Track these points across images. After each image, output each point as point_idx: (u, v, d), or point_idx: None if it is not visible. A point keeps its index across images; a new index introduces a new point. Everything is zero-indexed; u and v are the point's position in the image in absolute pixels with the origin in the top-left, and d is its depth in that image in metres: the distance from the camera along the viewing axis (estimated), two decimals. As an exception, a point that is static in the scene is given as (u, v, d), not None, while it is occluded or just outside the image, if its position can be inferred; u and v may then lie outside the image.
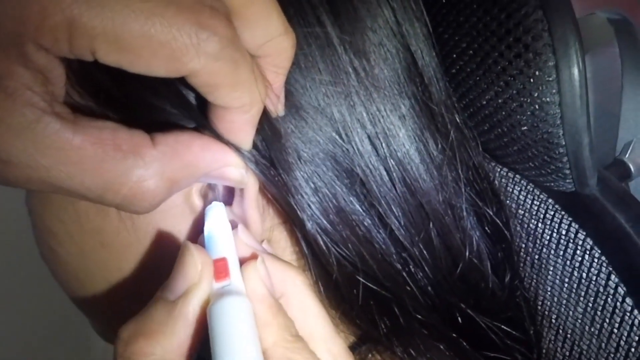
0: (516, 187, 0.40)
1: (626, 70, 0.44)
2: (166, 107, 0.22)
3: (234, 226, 0.23)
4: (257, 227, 0.24)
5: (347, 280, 0.26)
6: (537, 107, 0.26)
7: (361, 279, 0.26)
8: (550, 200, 0.37)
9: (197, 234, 0.24)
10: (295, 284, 0.22)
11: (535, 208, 0.38)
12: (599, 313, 0.33)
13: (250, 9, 0.19)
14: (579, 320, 0.34)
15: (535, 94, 0.26)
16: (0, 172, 0.18)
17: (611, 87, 0.46)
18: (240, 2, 0.19)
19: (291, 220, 0.25)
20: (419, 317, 0.27)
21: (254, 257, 0.21)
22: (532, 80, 0.26)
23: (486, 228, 0.30)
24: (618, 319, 0.32)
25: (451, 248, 0.28)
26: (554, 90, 0.25)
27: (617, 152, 0.46)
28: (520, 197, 0.39)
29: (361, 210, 0.25)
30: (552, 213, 0.37)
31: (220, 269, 0.20)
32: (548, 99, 0.25)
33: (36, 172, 0.18)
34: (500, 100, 0.27)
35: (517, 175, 0.40)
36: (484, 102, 0.28)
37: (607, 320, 0.32)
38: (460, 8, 0.28)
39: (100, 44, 0.17)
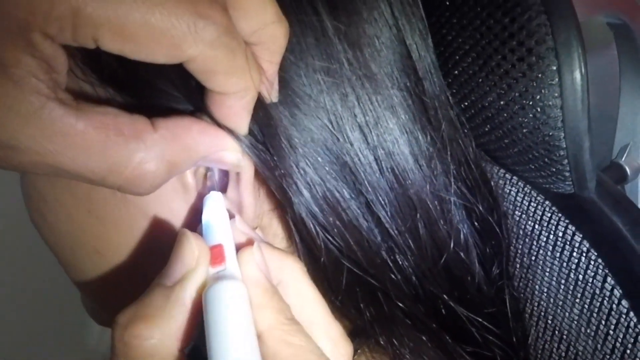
0: (513, 188, 0.40)
1: (624, 73, 0.44)
2: (168, 89, 0.23)
3: (231, 216, 0.24)
4: (251, 212, 0.25)
5: (334, 266, 0.27)
6: (539, 109, 0.26)
7: (346, 264, 0.26)
8: (547, 203, 0.38)
9: (189, 212, 0.25)
10: (292, 271, 0.22)
11: (532, 210, 0.38)
12: (595, 315, 0.34)
13: (247, 1, 0.20)
14: (575, 322, 0.35)
15: (538, 97, 0.26)
16: (7, 157, 0.19)
17: (608, 90, 0.46)
18: None
19: (282, 205, 0.26)
20: (403, 306, 0.27)
21: (250, 244, 0.22)
22: (534, 83, 0.26)
23: (475, 223, 0.31)
24: (614, 321, 0.32)
25: (436, 239, 0.28)
26: (556, 94, 0.25)
27: (613, 155, 0.47)
28: (518, 198, 0.39)
29: (350, 197, 0.26)
30: (549, 215, 0.37)
31: (216, 254, 0.21)
32: (550, 102, 0.26)
33: (41, 157, 0.19)
34: (502, 102, 0.27)
35: (514, 177, 0.40)
36: (486, 104, 0.28)
37: (603, 322, 0.33)
38: (465, 11, 0.28)
39: (103, 33, 0.17)
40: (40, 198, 0.27)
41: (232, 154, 0.23)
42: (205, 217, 0.23)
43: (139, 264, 0.27)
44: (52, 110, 0.18)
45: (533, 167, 0.29)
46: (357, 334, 0.29)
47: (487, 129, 0.30)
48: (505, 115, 0.28)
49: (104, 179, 0.20)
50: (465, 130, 0.30)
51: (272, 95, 0.23)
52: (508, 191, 0.40)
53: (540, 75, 0.25)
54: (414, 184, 0.27)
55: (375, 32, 0.25)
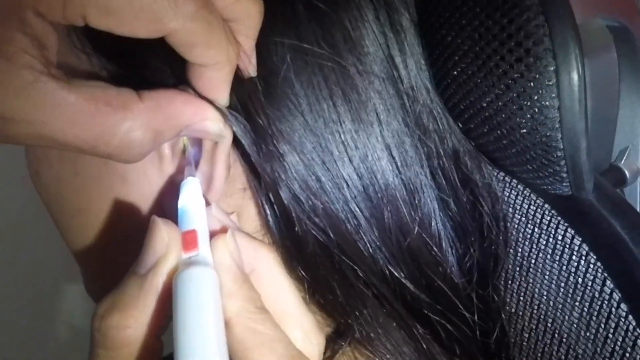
0: (512, 191, 0.40)
1: (624, 77, 0.44)
2: (154, 62, 0.25)
3: (207, 204, 0.24)
4: (220, 185, 0.26)
5: (303, 239, 0.27)
6: (536, 110, 0.26)
7: (317, 236, 0.27)
8: (546, 206, 0.38)
9: (165, 182, 0.27)
10: (266, 261, 0.23)
11: (532, 213, 0.38)
12: (594, 318, 0.33)
13: None
14: (575, 325, 0.34)
15: (535, 97, 0.26)
16: (2, 129, 0.20)
17: (608, 93, 0.46)
18: None
19: (253, 184, 0.27)
20: (371, 284, 0.28)
21: (222, 231, 0.23)
22: (532, 83, 0.26)
23: (450, 216, 0.31)
24: (613, 324, 0.32)
25: (400, 224, 0.29)
26: (553, 94, 0.25)
27: (612, 158, 0.47)
28: (517, 201, 0.39)
29: (318, 172, 0.27)
30: (548, 218, 0.37)
31: (188, 240, 0.21)
32: (547, 103, 0.26)
33: (35, 128, 0.20)
34: (500, 103, 0.27)
35: (513, 180, 0.40)
36: (484, 104, 0.28)
37: (603, 325, 0.33)
38: (464, 11, 0.28)
39: (90, 10, 0.19)
40: (35, 159, 0.29)
41: (214, 124, 0.24)
42: (181, 202, 0.24)
43: (116, 227, 0.28)
44: (44, 84, 0.19)
45: (531, 167, 0.29)
46: (339, 334, 0.29)
47: (485, 130, 0.30)
48: (503, 115, 0.28)
49: (94, 148, 0.21)
50: (449, 124, 0.30)
51: (249, 69, 0.25)
52: (507, 194, 0.40)
53: (537, 75, 0.25)
54: (381, 169, 0.28)
55: (347, 16, 0.26)
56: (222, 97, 0.24)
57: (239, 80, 0.24)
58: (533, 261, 0.38)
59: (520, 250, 0.39)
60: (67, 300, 0.77)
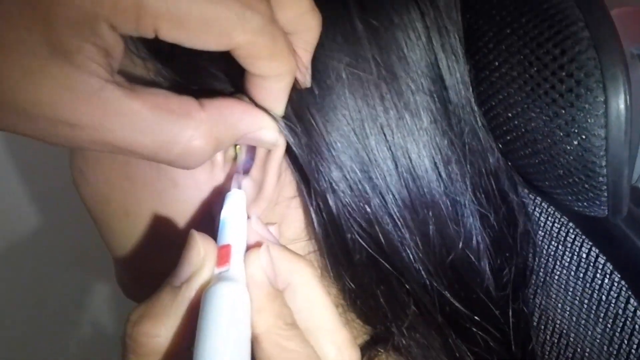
0: (537, 209, 0.42)
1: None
2: (211, 70, 0.26)
3: (248, 216, 0.25)
4: (270, 192, 0.27)
5: (349, 248, 0.28)
6: (583, 137, 0.28)
7: (364, 245, 0.28)
8: (570, 224, 0.39)
9: (214, 188, 0.27)
10: (302, 275, 0.23)
11: (556, 231, 0.40)
12: (617, 334, 0.35)
13: None
14: (597, 340, 0.36)
15: (584, 126, 0.27)
16: (68, 135, 0.20)
17: (636, 117, 0.48)
18: None
19: (306, 188, 0.28)
20: (412, 291, 0.29)
21: (257, 246, 0.23)
22: (581, 113, 0.27)
23: (489, 232, 0.32)
24: (636, 341, 0.34)
25: (445, 238, 0.30)
26: (601, 124, 0.27)
27: (633, 180, 0.49)
28: (541, 219, 0.41)
29: (367, 186, 0.28)
30: (572, 237, 0.39)
31: (222, 255, 0.22)
32: (595, 132, 0.27)
33: (99, 134, 0.20)
34: (547, 129, 0.29)
35: (537, 198, 0.42)
36: (530, 129, 0.30)
37: (626, 341, 0.34)
38: (514, 39, 0.29)
39: (162, 23, 0.19)
40: (83, 160, 0.30)
41: (270, 132, 0.25)
42: (223, 214, 0.24)
43: (162, 230, 0.29)
44: (110, 92, 0.20)
45: (570, 191, 0.30)
46: (376, 341, 0.30)
47: (527, 152, 0.31)
48: (549, 140, 0.29)
49: (156, 155, 0.22)
50: (491, 144, 0.32)
51: (305, 81, 0.25)
52: (531, 211, 0.42)
53: (587, 106, 0.27)
54: (429, 184, 0.29)
55: (404, 37, 0.27)
56: (279, 107, 0.25)
57: (293, 91, 0.25)
58: (556, 277, 0.39)
59: (543, 266, 0.40)
60: (91, 301, 0.77)
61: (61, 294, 0.74)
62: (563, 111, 0.28)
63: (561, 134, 0.28)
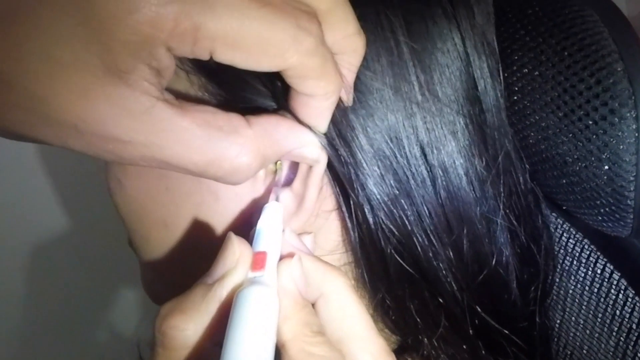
0: (551, 224, 0.43)
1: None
2: (255, 86, 0.26)
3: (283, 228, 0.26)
4: (311, 206, 0.27)
5: (384, 262, 0.29)
6: (614, 163, 0.29)
7: (398, 259, 0.29)
8: (585, 241, 0.41)
9: (253, 201, 0.28)
10: (335, 285, 0.23)
11: (571, 246, 0.41)
12: (630, 348, 0.37)
13: (334, 14, 0.22)
14: (610, 353, 0.38)
15: (616, 152, 0.29)
16: (120, 150, 0.21)
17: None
18: (326, 8, 0.22)
19: (345, 202, 0.28)
20: (444, 303, 0.30)
21: (289, 256, 0.24)
22: (614, 140, 0.29)
23: (517, 248, 0.34)
24: (650, 355, 0.35)
25: (480, 255, 0.31)
26: (632, 151, 0.28)
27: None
28: (556, 234, 0.42)
29: (403, 203, 0.29)
30: (587, 253, 0.40)
31: (257, 260, 0.23)
32: (626, 158, 0.29)
33: (150, 151, 0.21)
34: (578, 153, 0.30)
35: (553, 214, 0.43)
36: (560, 152, 0.31)
37: (639, 355, 0.36)
38: (549, 66, 0.31)
39: (218, 46, 0.20)
40: (122, 171, 0.30)
41: (314, 149, 0.25)
42: (259, 224, 0.25)
43: (200, 241, 0.29)
44: (160, 110, 0.21)
45: (597, 211, 0.32)
46: (405, 349, 0.31)
47: (555, 174, 0.33)
48: (580, 164, 0.30)
49: (204, 171, 0.22)
50: (522, 165, 0.33)
51: (348, 100, 0.26)
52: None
53: (620, 133, 0.28)
54: (465, 203, 0.30)
55: (446, 61, 0.28)
56: (323, 125, 0.25)
57: (336, 108, 0.26)
58: (570, 291, 0.41)
59: (558, 280, 0.42)
60: (113, 306, 0.77)
61: (85, 299, 0.74)
62: (596, 137, 0.29)
63: (592, 158, 0.30)
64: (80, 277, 0.73)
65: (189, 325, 0.21)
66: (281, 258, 0.24)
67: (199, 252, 0.30)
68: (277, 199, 0.27)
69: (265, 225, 0.25)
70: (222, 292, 0.22)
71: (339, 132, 0.27)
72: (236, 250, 0.22)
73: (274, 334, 0.21)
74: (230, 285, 0.22)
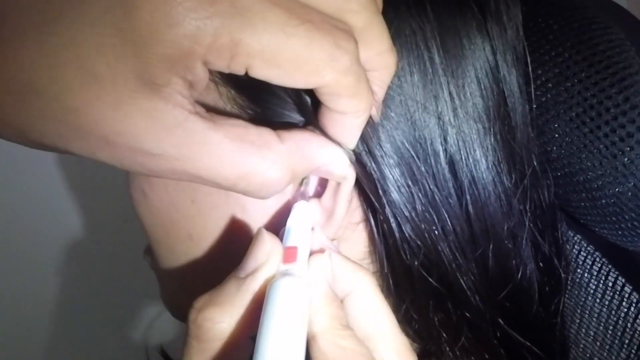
0: (562, 237, 0.43)
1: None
2: (284, 101, 0.26)
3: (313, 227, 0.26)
4: (340, 220, 0.27)
5: (409, 274, 0.29)
6: (638, 179, 0.30)
7: (422, 272, 0.29)
8: (597, 254, 0.41)
9: (280, 212, 0.28)
10: (363, 283, 0.24)
11: (582, 259, 0.42)
12: (642, 361, 0.37)
13: (369, 31, 0.22)
14: (622, 366, 0.38)
15: (641, 169, 0.29)
16: (151, 163, 0.21)
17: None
18: (362, 26, 0.22)
19: (373, 215, 0.28)
20: (468, 316, 0.30)
21: (320, 251, 0.24)
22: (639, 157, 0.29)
23: (540, 262, 0.34)
24: (662, 368, 0.36)
25: (505, 270, 0.32)
26: (658, 168, 0.29)
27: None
28: (567, 246, 0.43)
29: (429, 218, 0.29)
30: (598, 266, 0.41)
31: (289, 254, 0.23)
32: (652, 175, 0.29)
33: (181, 164, 0.21)
34: (603, 169, 0.31)
35: (563, 226, 0.44)
36: (584, 167, 0.31)
37: (651, 368, 0.36)
38: (574, 82, 0.31)
39: (256, 62, 0.20)
40: (147, 182, 0.30)
41: (342, 167, 0.25)
42: (289, 223, 0.25)
43: (227, 253, 0.29)
44: (193, 123, 0.21)
45: (618, 227, 0.32)
46: (425, 355, 0.31)
47: (577, 188, 0.33)
48: (604, 180, 0.31)
49: (234, 185, 0.22)
50: (547, 181, 0.33)
51: (377, 116, 0.26)
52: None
53: (646, 151, 0.29)
54: (493, 218, 0.30)
55: (478, 76, 0.28)
56: (353, 142, 0.25)
57: (365, 126, 0.26)
58: (581, 303, 0.41)
59: (568, 292, 0.42)
60: (123, 311, 0.77)
61: (94, 303, 0.74)
62: (622, 154, 0.30)
63: (618, 175, 0.30)
64: (91, 282, 0.73)
65: (224, 317, 0.21)
66: (311, 254, 0.24)
67: (224, 263, 0.30)
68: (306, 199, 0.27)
69: (294, 223, 0.25)
70: (254, 285, 0.22)
71: (368, 148, 0.27)
72: (267, 244, 0.23)
73: (306, 324, 0.21)
74: (262, 278, 0.22)
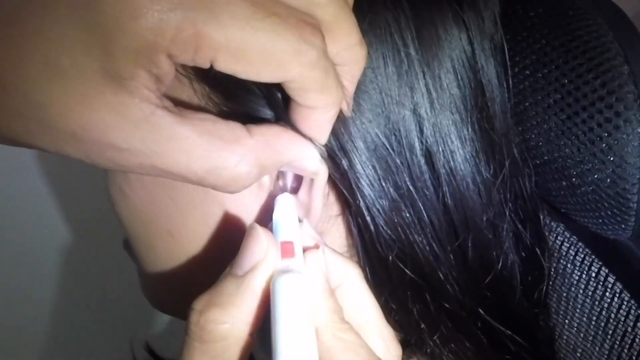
0: (545, 228, 0.43)
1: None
2: (255, 96, 0.26)
3: (299, 220, 0.26)
4: (318, 215, 0.27)
5: (387, 267, 0.29)
6: (618, 166, 0.29)
7: (400, 265, 0.29)
8: (580, 244, 0.41)
9: (260, 208, 0.28)
10: (352, 276, 0.24)
11: (565, 249, 0.41)
12: (625, 351, 0.37)
13: (337, 25, 0.22)
14: (605, 357, 0.38)
15: (620, 155, 0.29)
16: (118, 158, 0.21)
17: None
18: (330, 19, 0.22)
19: (346, 212, 0.29)
20: (448, 306, 0.30)
21: (315, 247, 0.24)
22: (618, 142, 0.29)
23: (522, 252, 0.34)
24: (645, 358, 0.36)
25: (485, 261, 0.31)
26: (637, 154, 0.29)
27: None
28: (550, 237, 0.43)
29: (404, 211, 0.29)
30: (582, 256, 0.40)
31: (286, 249, 0.23)
32: (631, 161, 0.29)
33: (148, 159, 0.21)
34: (581, 156, 0.30)
35: (546, 218, 0.43)
36: (562, 154, 0.31)
37: (634, 358, 0.36)
38: (552, 68, 0.31)
39: (221, 55, 0.19)
40: (124, 180, 0.30)
41: (314, 162, 0.25)
42: (275, 216, 0.25)
43: (207, 250, 0.29)
44: (160, 117, 0.20)
45: (597, 214, 0.32)
46: (408, 344, 0.31)
47: (556, 177, 0.32)
48: (582, 167, 0.30)
49: (202, 180, 0.22)
50: (527, 170, 0.33)
51: (347, 111, 0.26)
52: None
53: (625, 136, 0.28)
54: (471, 209, 0.30)
55: (455, 67, 0.28)
56: (323, 137, 0.25)
57: (336, 120, 0.25)
58: (565, 294, 0.41)
59: (551, 283, 0.42)
60: (108, 305, 0.77)
61: (80, 298, 0.73)
62: (600, 140, 0.29)
63: (596, 161, 0.30)
64: (77, 279, 0.72)
65: (226, 318, 0.21)
66: (303, 249, 0.24)
67: (205, 260, 0.30)
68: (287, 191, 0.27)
69: (281, 216, 0.25)
70: (254, 282, 0.22)
71: (339, 144, 0.27)
72: (264, 240, 0.22)
73: (313, 320, 0.22)
74: (262, 275, 0.22)
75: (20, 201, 0.68)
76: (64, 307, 0.75)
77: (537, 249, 0.34)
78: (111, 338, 0.74)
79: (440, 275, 0.30)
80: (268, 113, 0.26)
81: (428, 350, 0.31)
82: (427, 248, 0.29)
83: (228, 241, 0.29)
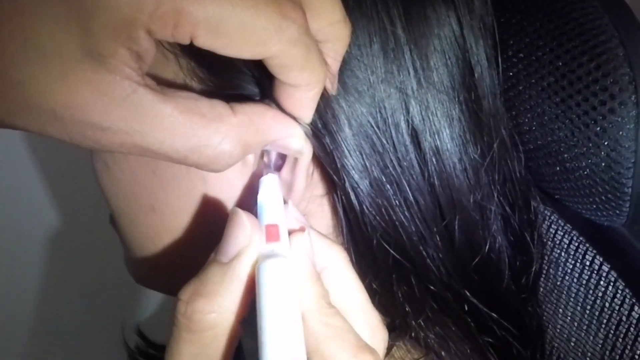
0: (539, 216, 0.43)
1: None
2: (245, 73, 0.26)
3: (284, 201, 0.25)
4: (300, 194, 0.27)
5: (372, 248, 0.29)
6: (612, 150, 0.29)
7: (385, 246, 0.29)
8: (575, 232, 0.40)
9: (245, 186, 0.28)
10: (337, 259, 0.24)
11: (559, 238, 0.41)
12: (620, 340, 0.36)
13: (320, 1, 0.22)
14: (599, 346, 0.37)
15: (615, 138, 0.28)
16: (99, 137, 0.21)
17: None
18: None
19: (332, 192, 0.28)
20: (433, 288, 0.30)
21: (301, 230, 0.24)
22: (612, 125, 0.28)
23: (510, 236, 0.33)
24: None
25: (472, 243, 0.31)
26: (632, 137, 0.28)
27: None
28: (544, 225, 0.42)
29: (390, 190, 0.28)
30: (576, 244, 0.40)
31: (271, 233, 0.23)
32: (626, 145, 0.28)
33: (130, 137, 0.21)
34: (575, 139, 0.30)
35: (540, 206, 0.43)
36: (556, 138, 0.31)
37: (629, 347, 0.36)
38: (546, 51, 0.30)
39: (200, 31, 0.19)
40: (108, 154, 0.29)
41: (298, 141, 0.25)
42: (260, 198, 0.24)
43: (190, 226, 0.29)
44: (142, 95, 0.20)
45: (592, 200, 0.31)
46: (393, 328, 0.31)
47: (549, 162, 0.32)
48: (576, 151, 0.30)
49: (185, 158, 0.22)
50: (517, 153, 0.33)
51: (332, 89, 0.25)
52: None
53: (619, 119, 0.28)
54: (458, 190, 0.29)
55: (443, 47, 0.28)
56: (307, 116, 0.25)
57: (320, 98, 0.25)
58: (558, 283, 0.41)
59: (545, 272, 0.41)
60: (98, 291, 0.77)
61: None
62: (594, 123, 0.29)
63: (590, 145, 0.29)
64: (66, 264, 0.72)
65: (214, 307, 0.21)
66: (288, 231, 0.24)
67: (188, 236, 0.29)
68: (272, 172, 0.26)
69: (266, 198, 0.24)
70: (240, 269, 0.21)
71: (323, 122, 0.26)
72: (247, 226, 0.22)
73: (299, 304, 0.21)
74: (247, 261, 0.22)
75: (7, 185, 0.68)
76: (54, 292, 0.74)
77: (526, 234, 0.33)
78: (102, 323, 0.73)
79: (426, 256, 0.30)
80: (254, 90, 0.26)
81: (413, 334, 0.30)
82: (413, 229, 0.29)
83: (211, 219, 0.28)
